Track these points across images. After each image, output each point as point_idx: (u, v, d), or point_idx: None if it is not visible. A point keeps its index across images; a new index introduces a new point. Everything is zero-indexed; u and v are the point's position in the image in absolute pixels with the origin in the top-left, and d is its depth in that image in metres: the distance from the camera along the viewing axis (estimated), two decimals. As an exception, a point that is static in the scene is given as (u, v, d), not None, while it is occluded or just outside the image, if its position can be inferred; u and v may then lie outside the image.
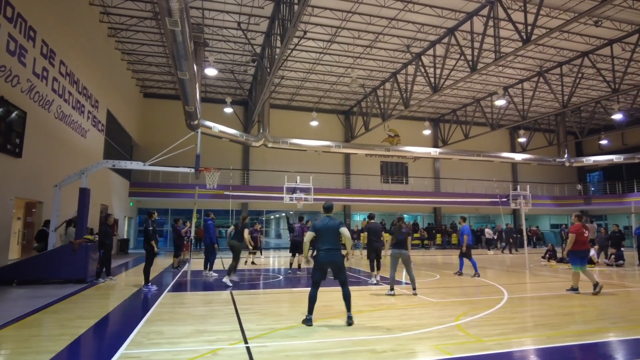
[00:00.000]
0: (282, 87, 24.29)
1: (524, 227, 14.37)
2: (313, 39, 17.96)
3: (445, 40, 17.46)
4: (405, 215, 30.81)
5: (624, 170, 30.67)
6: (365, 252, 17.26)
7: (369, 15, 16.09)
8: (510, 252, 21.90)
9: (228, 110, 22.44)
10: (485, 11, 15.32)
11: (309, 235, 5.79)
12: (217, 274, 11.51)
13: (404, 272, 9.72)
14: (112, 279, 10.28)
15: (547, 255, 16.63)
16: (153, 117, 24.98)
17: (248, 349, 4.56)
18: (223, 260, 15.83)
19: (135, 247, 23.13)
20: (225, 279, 9.55)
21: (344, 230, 5.78)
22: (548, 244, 18.42)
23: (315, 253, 5.95)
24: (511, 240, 22.40)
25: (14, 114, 9.76)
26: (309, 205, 22.77)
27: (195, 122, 18.37)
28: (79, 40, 14.02)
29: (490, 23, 15.16)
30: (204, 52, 17.92)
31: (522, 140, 28.56)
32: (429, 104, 27.18)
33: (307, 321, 5.63)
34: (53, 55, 11.96)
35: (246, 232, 10.23)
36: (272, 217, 33.31)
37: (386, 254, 8.82)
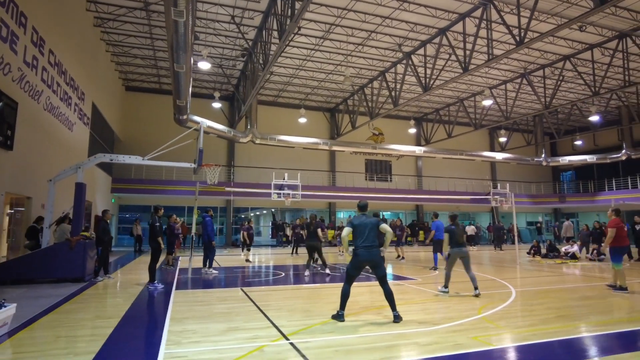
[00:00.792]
0: (269, 83, 24.04)
1: (515, 225, 14.80)
2: (306, 35, 17.87)
3: (437, 40, 17.73)
4: (387, 213, 31.19)
5: (595, 170, 32.11)
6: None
7: (364, 13, 16.13)
8: (500, 249, 22.42)
9: (216, 105, 22.06)
10: (477, 13, 15.65)
11: (346, 231, 5.76)
12: (217, 272, 11.31)
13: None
14: (110, 278, 9.91)
15: (532, 251, 17.21)
16: (135, 111, 24.21)
17: (293, 344, 4.49)
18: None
19: (117, 245, 22.37)
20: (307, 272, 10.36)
21: (386, 227, 5.82)
22: (533, 241, 19.04)
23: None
24: (499, 237, 23.08)
25: (6, 105, 9.23)
26: (297, 203, 22.67)
27: (185, 116, 17.95)
28: (67, 29, 13.41)
29: (482, 24, 15.48)
30: (193, 45, 17.49)
31: (502, 140, 29.39)
32: (413, 104, 27.55)
33: (339, 317, 5.60)
34: (42, 43, 11.39)
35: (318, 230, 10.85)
36: (251, 214, 32.97)
37: (445, 252, 8.57)
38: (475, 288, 7.52)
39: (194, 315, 5.96)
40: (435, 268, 12.15)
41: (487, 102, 20.52)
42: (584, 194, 30.72)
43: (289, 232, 26.19)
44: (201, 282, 9.71)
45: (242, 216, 28.11)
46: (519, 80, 22.35)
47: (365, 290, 8.34)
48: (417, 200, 29.93)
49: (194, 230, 10.90)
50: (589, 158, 28.34)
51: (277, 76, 22.83)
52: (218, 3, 15.43)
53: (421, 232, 29.01)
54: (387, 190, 28.96)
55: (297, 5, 12.39)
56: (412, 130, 27.90)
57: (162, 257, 12.70)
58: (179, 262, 10.77)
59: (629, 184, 28.13)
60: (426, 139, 30.27)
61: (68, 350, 4.23)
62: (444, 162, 31.02)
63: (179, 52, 11.63)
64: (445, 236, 7.62)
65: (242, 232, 14.76)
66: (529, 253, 17.30)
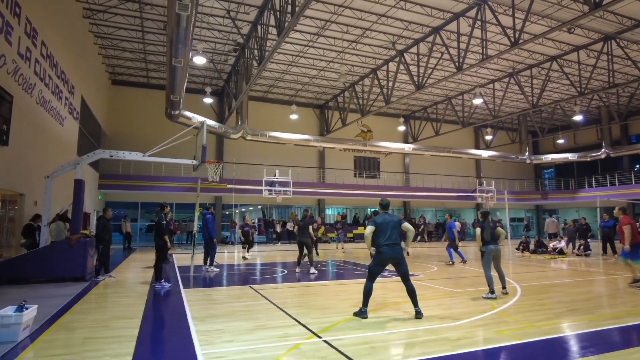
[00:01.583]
0: (260, 79, 23.81)
1: (507, 221, 15.14)
2: (300, 31, 17.78)
3: (430, 39, 17.92)
4: (375, 209, 31.47)
5: (575, 167, 33.15)
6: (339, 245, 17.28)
7: (360, 10, 16.16)
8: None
9: (208, 100, 21.73)
10: (472, 13, 15.88)
11: (369, 230, 5.80)
12: (218, 269, 11.22)
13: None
14: (112, 277, 9.70)
15: (521, 247, 17.68)
16: (122, 105, 23.64)
17: (327, 342, 4.51)
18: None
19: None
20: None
21: (408, 225, 5.93)
22: (521, 236, 19.53)
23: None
24: None
25: (1, 98, 8.88)
26: (286, 200, 22.63)
27: (177, 112, 17.65)
28: (57, 20, 12.96)
29: (477, 25, 15.73)
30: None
31: (489, 137, 29.99)
32: (402, 101, 27.81)
33: (362, 313, 5.65)
34: (35, 34, 10.99)
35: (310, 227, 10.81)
36: (236, 211, 32.71)
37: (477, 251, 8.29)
38: (504, 287, 7.48)
39: (215, 314, 5.91)
40: (464, 261, 12.92)
41: (477, 101, 20.89)
42: (565, 190, 31.67)
43: (279, 228, 26.18)
44: (207, 280, 9.61)
45: (227, 212, 27.81)
46: (506, 80, 22.83)
47: (375, 287, 8.40)
48: (405, 197, 30.26)
49: (195, 228, 10.73)
50: (570, 156, 29.21)
51: (268, 72, 22.66)
52: (214, -3, 15.20)
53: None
54: (375, 187, 29.17)
55: (298, 1, 12.34)
56: (402, 128, 28.20)
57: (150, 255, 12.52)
58: (194, 260, 10.58)
59: (608, 182, 29.16)
60: (414, 136, 30.62)
61: (103, 352, 4.14)
62: (431, 159, 31.46)
63: (178, 46, 11.42)
64: (477, 232, 7.42)
65: (238, 230, 14.66)
66: (517, 249, 17.75)
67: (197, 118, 19.63)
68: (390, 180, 30.74)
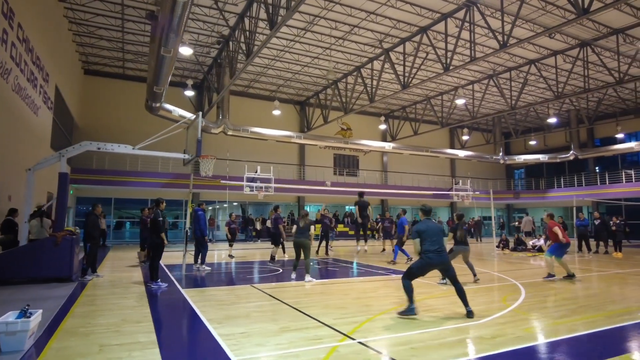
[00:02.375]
0: (242, 73, 23.20)
1: (492, 220, 15.46)
2: (288, 26, 17.46)
3: (417, 38, 18.04)
4: (354, 207, 31.53)
5: (545, 168, 34.48)
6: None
7: (350, 7, 16.03)
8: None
9: (189, 93, 21.03)
10: (460, 15, 16.09)
11: (416, 243, 5.81)
12: (209, 268, 10.82)
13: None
14: (99, 276, 9.14)
15: (502, 245, 18.16)
16: (95, 96, 22.48)
17: (363, 344, 4.35)
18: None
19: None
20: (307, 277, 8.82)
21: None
22: (502, 234, 20.05)
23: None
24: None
25: (-22, 83, 8.16)
26: (267, 197, 22.29)
27: (158, 104, 16.95)
28: (32, 2, 12.09)
29: (465, 26, 15.93)
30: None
31: (465, 138, 30.67)
32: (383, 100, 27.97)
33: (411, 310, 5.58)
34: (12, 15, 10.18)
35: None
36: (210, 207, 31.97)
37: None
38: (474, 275, 8.75)
39: (230, 315, 5.62)
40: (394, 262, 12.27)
41: (460, 101, 21.27)
42: (536, 190, 32.87)
43: (258, 226, 25.73)
44: (202, 279, 9.23)
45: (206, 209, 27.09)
46: (486, 81, 23.36)
47: (380, 285, 8.35)
48: (383, 195, 30.50)
49: (187, 225, 10.27)
50: (541, 157, 30.31)
51: (251, 66, 22.14)
52: (201, -14, 14.66)
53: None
54: (355, 185, 29.23)
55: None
56: (382, 127, 28.37)
57: (130, 254, 11.95)
58: (185, 258, 10.11)
59: (575, 182, 30.49)
60: (392, 135, 30.89)
61: (131, 360, 3.81)
62: (408, 158, 31.84)
63: (169, 35, 10.89)
64: (450, 235, 8.52)
65: (225, 227, 14.22)
66: (498, 247, 18.21)
67: (178, 111, 18.99)
68: (370, 178, 30.90)
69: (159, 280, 8.07)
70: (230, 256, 14.18)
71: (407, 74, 18.60)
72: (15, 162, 10.74)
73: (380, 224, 15.97)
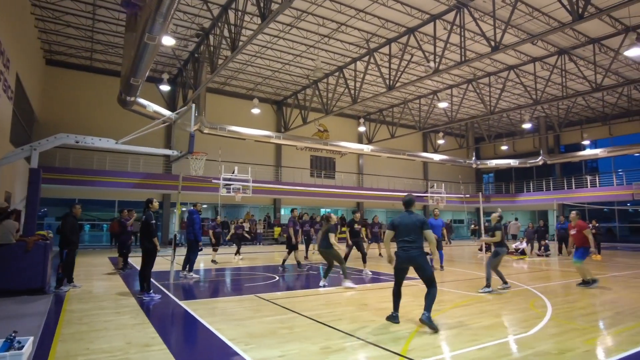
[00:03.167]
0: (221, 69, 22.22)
1: (481, 221, 15.38)
2: (274, 20, 16.68)
3: (403, 40, 17.83)
4: (329, 210, 31.06)
5: (513, 173, 35.51)
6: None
7: (340, 4, 15.55)
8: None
9: (165, 88, 19.78)
10: (449, 17, 15.99)
11: (386, 237, 5.42)
12: (197, 276, 9.92)
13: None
14: (77, 286, 8.06)
15: (484, 248, 18.20)
16: (57, 89, 20.70)
17: (428, 366, 3.79)
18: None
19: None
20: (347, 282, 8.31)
21: (429, 232, 5.42)
22: (464, 237, 20.18)
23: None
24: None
25: None
26: (243, 199, 21.40)
27: (133, 98, 15.70)
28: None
29: (453, 28, 15.85)
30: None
31: (441, 142, 30.99)
32: (363, 103, 27.71)
33: (394, 318, 5.31)
34: (-27, -11, 8.90)
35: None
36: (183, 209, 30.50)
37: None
38: (505, 282, 8.14)
39: (252, 333, 4.89)
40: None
41: (443, 104, 21.31)
42: (506, 194, 33.75)
43: (233, 229, 24.62)
44: (197, 289, 8.36)
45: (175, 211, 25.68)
46: (464, 86, 23.58)
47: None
48: (359, 197, 30.23)
49: (176, 228, 9.32)
50: (512, 162, 31.14)
51: (230, 62, 21.15)
52: (185, -28, 13.69)
53: (364, 229, 29.38)
54: (331, 187, 28.77)
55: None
56: (362, 129, 28.15)
57: (101, 259, 10.91)
58: (174, 264, 9.15)
59: (543, 187, 31.54)
60: (368, 138, 30.72)
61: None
62: (383, 161, 31.79)
63: (156, 20, 9.92)
64: (498, 234, 7.85)
65: (210, 230, 13.29)
66: (480, 250, 18.25)
67: (153, 107, 17.78)
68: (347, 181, 30.56)
69: (152, 291, 7.15)
70: (214, 262, 13.25)
71: (392, 76, 18.35)
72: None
73: (368, 228, 15.46)
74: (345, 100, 25.11)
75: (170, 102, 23.30)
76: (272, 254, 17.50)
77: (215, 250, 13.45)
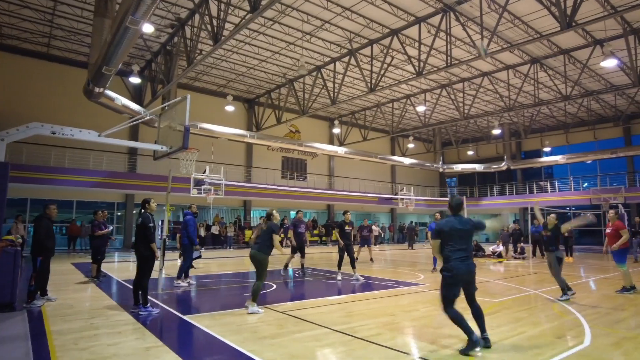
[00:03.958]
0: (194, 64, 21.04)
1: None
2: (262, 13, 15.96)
3: (386, 41, 17.69)
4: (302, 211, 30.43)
5: (476, 177, 36.63)
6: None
7: (327, 0, 15.10)
8: (412, 248, 23.73)
9: (135, 80, 18.35)
10: (433, 20, 16.00)
11: (434, 246, 4.72)
12: (186, 284, 9.03)
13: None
14: (52, 299, 6.97)
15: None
16: (6, 78, 18.66)
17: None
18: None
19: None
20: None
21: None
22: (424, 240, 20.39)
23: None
24: (411, 236, 24.45)
25: None
26: (216, 200, 20.41)
27: (102, 89, 14.34)
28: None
29: (438, 32, 15.86)
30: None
31: (411, 146, 31.32)
32: (338, 104, 27.43)
33: (475, 343, 4.32)
34: None
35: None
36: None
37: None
38: (570, 289, 7.69)
39: (293, 354, 4.27)
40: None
41: (421, 108, 21.41)
42: (470, 198, 34.67)
43: (202, 232, 23.38)
44: (193, 300, 7.53)
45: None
46: (438, 91, 23.87)
47: (410, 300, 7.40)
48: (330, 199, 29.89)
49: (165, 232, 8.39)
50: (477, 167, 32.08)
51: (201, 56, 20.07)
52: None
53: (334, 231, 29.04)
54: (302, 188, 28.21)
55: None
56: (337, 130, 27.86)
57: (67, 266, 9.82)
58: (163, 270, 8.20)
59: (506, 191, 32.74)
60: (340, 140, 30.47)
61: None
62: (353, 163, 31.67)
63: (141, 2, 8.96)
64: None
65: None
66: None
67: (121, 100, 16.40)
68: (318, 183, 30.10)
69: (149, 305, 6.27)
70: (192, 267, 12.27)
71: (372, 78, 18.14)
72: None
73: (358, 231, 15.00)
74: (320, 101, 24.68)
75: (136, 96, 21.77)
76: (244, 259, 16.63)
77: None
